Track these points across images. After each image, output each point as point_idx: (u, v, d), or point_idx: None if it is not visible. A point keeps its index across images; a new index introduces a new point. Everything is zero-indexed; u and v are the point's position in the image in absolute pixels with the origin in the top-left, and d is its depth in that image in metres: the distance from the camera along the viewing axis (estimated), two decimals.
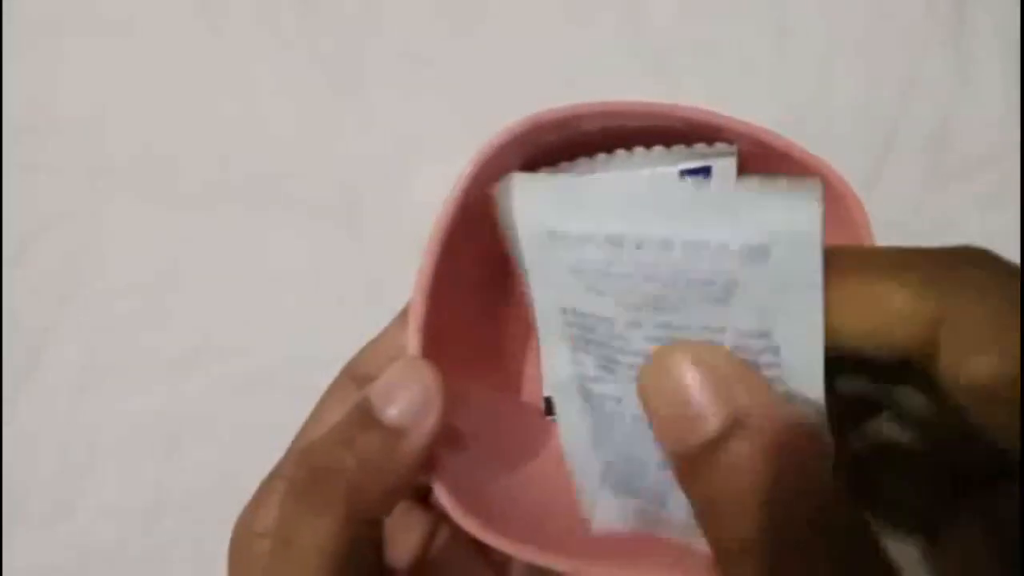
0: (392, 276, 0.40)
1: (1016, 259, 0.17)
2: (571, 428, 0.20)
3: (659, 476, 0.20)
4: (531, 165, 0.23)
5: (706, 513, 0.17)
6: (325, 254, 0.41)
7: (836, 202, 0.23)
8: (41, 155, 0.42)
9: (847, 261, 0.17)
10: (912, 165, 0.39)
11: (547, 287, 0.19)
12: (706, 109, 0.21)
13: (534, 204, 0.19)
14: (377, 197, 0.41)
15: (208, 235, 0.41)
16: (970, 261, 0.17)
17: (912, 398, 0.19)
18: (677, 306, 0.18)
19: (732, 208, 0.17)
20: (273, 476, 0.22)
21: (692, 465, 0.17)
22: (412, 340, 0.21)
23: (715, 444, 0.16)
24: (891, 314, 0.16)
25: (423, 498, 0.25)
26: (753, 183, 0.18)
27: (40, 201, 0.42)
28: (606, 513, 0.21)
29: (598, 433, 0.20)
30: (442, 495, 0.22)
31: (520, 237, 0.19)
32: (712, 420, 0.16)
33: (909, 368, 0.17)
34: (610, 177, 0.19)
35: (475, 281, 0.24)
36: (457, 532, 0.22)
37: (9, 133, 0.42)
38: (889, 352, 0.17)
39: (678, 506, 0.20)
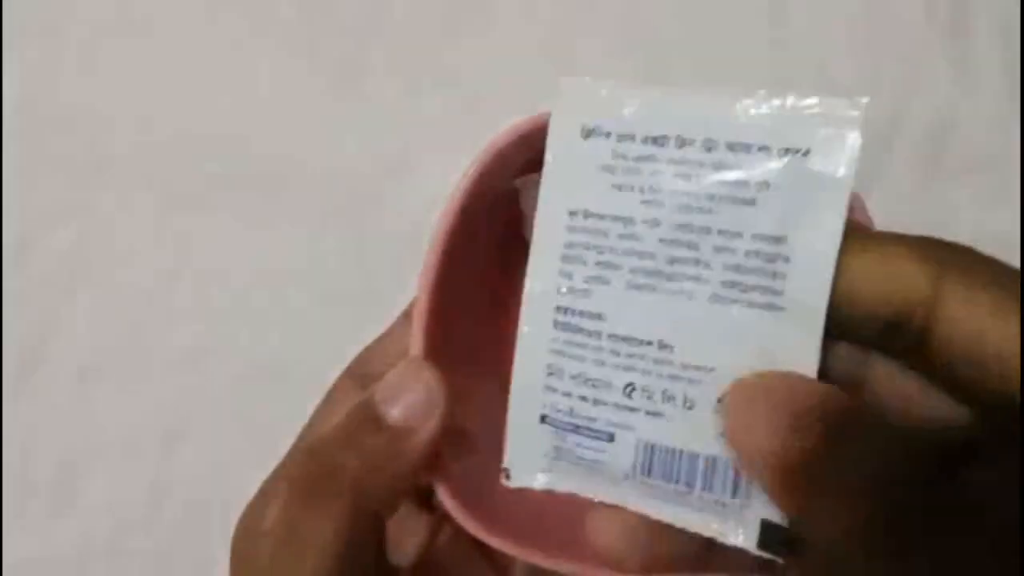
0: (392, 274, 0.40)
1: (1016, 259, 0.17)
2: (529, 352, 0.20)
3: (621, 401, 0.19)
4: (535, 166, 0.23)
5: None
6: (326, 252, 0.41)
7: None
8: (42, 153, 0.42)
9: (851, 227, 0.18)
10: (911, 164, 0.39)
11: (561, 188, 0.20)
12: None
13: (578, 101, 0.20)
14: (378, 195, 0.41)
15: (209, 233, 0.41)
16: (961, 245, 0.17)
17: (884, 376, 0.19)
18: (703, 206, 0.18)
19: (782, 112, 0.18)
20: (276, 475, 0.22)
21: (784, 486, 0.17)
22: (416, 341, 0.22)
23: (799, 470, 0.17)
24: (895, 270, 0.17)
25: (426, 499, 0.25)
26: (792, 93, 0.18)
27: (41, 199, 0.42)
28: (532, 458, 0.21)
29: (558, 362, 0.20)
30: (444, 496, 0.22)
31: (550, 134, 0.20)
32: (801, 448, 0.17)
33: (894, 335, 0.17)
34: (662, 89, 0.19)
35: (478, 280, 0.24)
36: (459, 533, 0.22)
37: (10, 129, 0.42)
38: (888, 309, 0.17)
39: (626, 445, 0.20)
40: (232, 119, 0.42)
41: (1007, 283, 0.16)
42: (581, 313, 0.20)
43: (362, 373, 0.24)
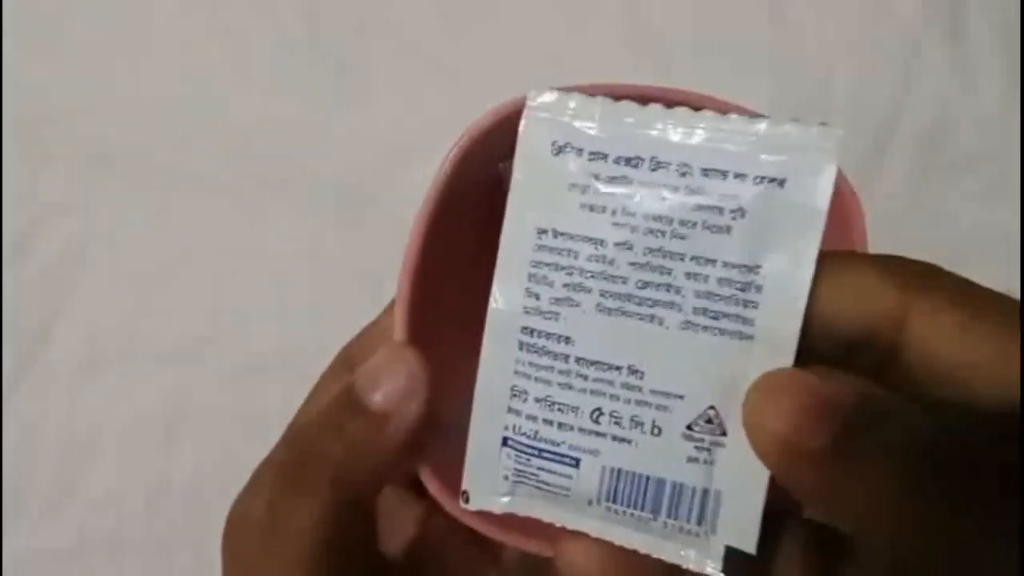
0: (391, 267, 0.40)
1: (1015, 256, 0.17)
2: (492, 372, 0.20)
3: (588, 426, 0.19)
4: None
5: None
6: (324, 245, 0.41)
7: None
8: (41, 147, 0.42)
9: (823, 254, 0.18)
10: (909, 161, 0.39)
11: (528, 206, 0.19)
12: (698, 92, 0.21)
13: (548, 115, 0.19)
14: (376, 189, 0.41)
15: (208, 226, 0.41)
16: (929, 263, 0.17)
17: None
18: (676, 231, 0.18)
19: (758, 139, 0.18)
20: (262, 464, 0.22)
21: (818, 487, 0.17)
22: (399, 325, 0.22)
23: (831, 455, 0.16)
24: (863, 289, 0.17)
25: (419, 486, 0.25)
26: (766, 120, 0.18)
27: (41, 192, 0.42)
28: (492, 481, 0.20)
29: (522, 383, 0.20)
30: (428, 481, 0.22)
31: (519, 148, 0.19)
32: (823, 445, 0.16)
33: (862, 354, 0.17)
34: (635, 107, 0.19)
35: (463, 265, 0.24)
36: (451, 519, 0.22)
37: (10, 125, 0.42)
38: (855, 328, 0.17)
39: (591, 470, 0.19)
40: (232, 116, 0.42)
41: (974, 301, 0.17)
42: (548, 335, 0.19)
43: (352, 359, 0.24)
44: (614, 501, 0.19)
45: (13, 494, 0.40)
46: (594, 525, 0.20)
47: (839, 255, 0.18)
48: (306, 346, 0.40)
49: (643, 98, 0.21)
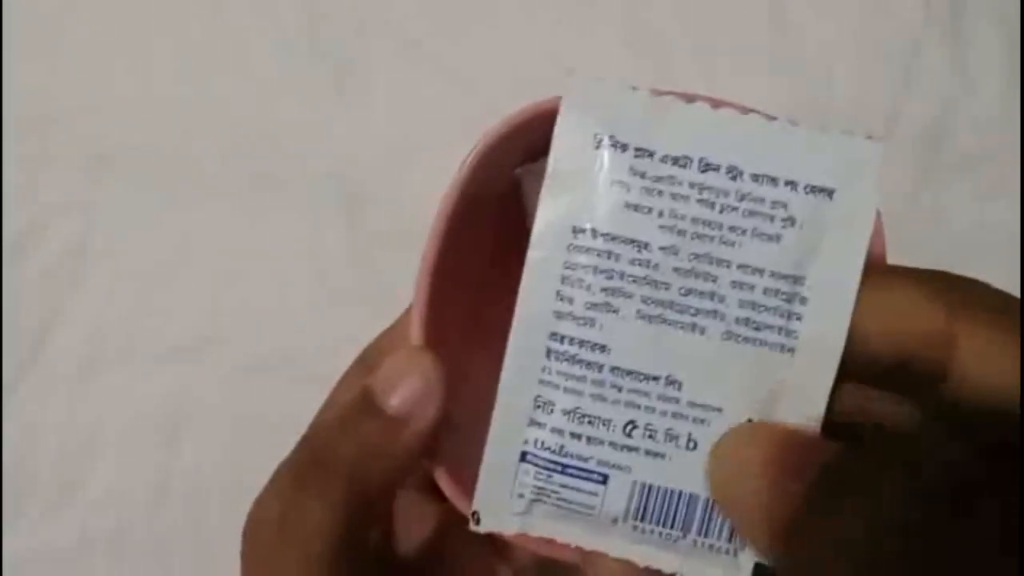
0: (392, 267, 0.40)
1: (1015, 255, 0.17)
2: (515, 382, 0.18)
3: (620, 440, 0.18)
4: (535, 155, 0.23)
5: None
6: (326, 245, 0.41)
7: None
8: (42, 146, 0.42)
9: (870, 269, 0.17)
10: (909, 161, 0.40)
11: (565, 202, 0.18)
12: (709, 95, 0.21)
13: (590, 104, 0.18)
14: (377, 189, 0.41)
15: (209, 226, 0.41)
16: (973, 280, 0.17)
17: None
18: (725, 238, 0.18)
19: (805, 147, 0.17)
20: (282, 463, 0.22)
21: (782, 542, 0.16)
22: (415, 330, 0.22)
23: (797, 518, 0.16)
24: (910, 308, 0.17)
25: (434, 488, 0.26)
26: (812, 127, 0.18)
27: (41, 192, 0.42)
28: (506, 500, 0.19)
29: (548, 394, 0.18)
30: (443, 482, 0.22)
31: (555, 140, 0.18)
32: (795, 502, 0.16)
33: (905, 374, 0.17)
34: (682, 104, 0.18)
35: (479, 269, 0.24)
36: (466, 522, 0.23)
37: (9, 124, 0.42)
38: (901, 348, 0.17)
39: (620, 486, 0.18)
40: (232, 116, 0.42)
41: (1020, 320, 0.16)
42: (581, 342, 0.18)
43: (371, 361, 0.25)
44: (642, 519, 0.19)
45: (13, 494, 0.40)
46: (616, 544, 0.19)
47: (883, 271, 0.18)
48: (307, 346, 0.40)
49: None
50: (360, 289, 0.41)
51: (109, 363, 0.41)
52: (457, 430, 0.22)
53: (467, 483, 0.22)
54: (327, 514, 0.20)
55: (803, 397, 0.18)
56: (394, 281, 0.40)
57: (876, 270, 0.18)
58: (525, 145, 0.22)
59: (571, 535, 0.19)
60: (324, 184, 0.41)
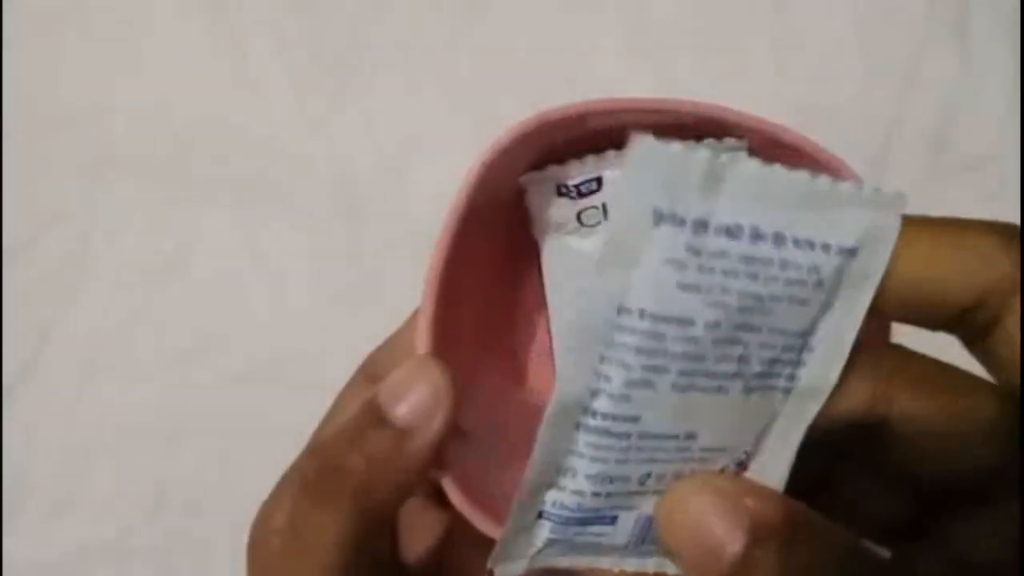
0: (392, 271, 0.40)
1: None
2: (545, 457, 0.18)
3: (634, 489, 0.18)
4: (539, 163, 0.23)
5: None
6: (325, 249, 0.41)
7: None
8: (42, 150, 0.42)
9: (924, 219, 0.18)
10: (912, 162, 0.40)
11: (615, 280, 0.16)
12: (716, 104, 0.21)
13: (651, 171, 0.16)
14: (377, 193, 0.41)
15: (208, 230, 0.41)
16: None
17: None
18: (764, 307, 0.17)
19: (841, 205, 0.17)
20: (286, 474, 0.22)
21: None
22: (422, 338, 0.21)
23: (743, 563, 0.17)
24: (977, 258, 0.17)
25: (439, 497, 0.25)
26: (846, 183, 0.18)
27: (41, 196, 0.42)
28: (522, 551, 0.19)
29: (572, 462, 0.18)
30: (451, 492, 0.22)
31: (612, 212, 0.18)
32: (734, 543, 0.17)
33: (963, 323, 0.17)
34: (733, 164, 0.16)
35: (486, 278, 0.24)
36: (472, 530, 0.23)
37: (10, 129, 0.42)
38: (968, 295, 0.17)
39: (626, 522, 0.19)
40: (232, 118, 0.42)
41: None
42: (615, 417, 0.17)
43: (374, 372, 0.24)
44: (643, 543, 0.19)
45: (12, 500, 0.40)
46: (619, 561, 0.20)
47: (950, 220, 0.18)
48: (306, 349, 0.40)
49: (658, 112, 0.21)
50: (359, 294, 0.40)
51: (108, 368, 0.40)
52: (465, 439, 0.22)
53: (474, 492, 0.22)
54: (337, 524, 0.20)
55: (784, 434, 0.18)
56: (393, 286, 0.40)
57: (942, 218, 0.18)
58: (531, 153, 0.22)
59: (577, 562, 0.20)
60: (323, 188, 0.41)
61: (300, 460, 0.22)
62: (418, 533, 0.25)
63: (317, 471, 0.21)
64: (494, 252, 0.24)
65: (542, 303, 0.24)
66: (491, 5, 0.42)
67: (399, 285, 0.40)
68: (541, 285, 0.24)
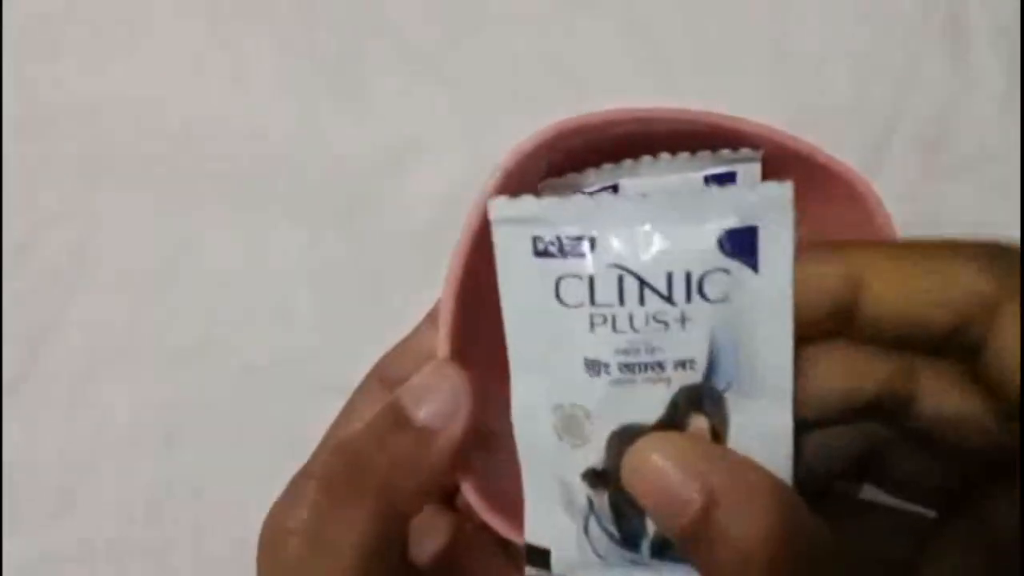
0: (390, 272, 0.40)
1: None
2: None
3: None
4: (557, 170, 0.23)
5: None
6: (323, 249, 0.41)
7: (858, 202, 0.23)
8: (42, 153, 0.42)
9: (906, 245, 0.18)
10: (910, 162, 0.40)
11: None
12: (731, 115, 0.22)
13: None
14: (376, 194, 0.41)
15: (208, 231, 0.41)
16: (1012, 250, 0.18)
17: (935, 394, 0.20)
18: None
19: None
20: (303, 474, 0.22)
21: (689, 540, 0.18)
22: (442, 344, 0.22)
23: (701, 519, 0.18)
24: (959, 278, 0.17)
25: (448, 498, 0.26)
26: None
27: (40, 197, 0.41)
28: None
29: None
30: (470, 494, 0.22)
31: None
32: (693, 499, 0.18)
33: (950, 344, 0.18)
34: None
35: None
36: (481, 532, 0.23)
37: (10, 129, 0.42)
38: (950, 317, 0.17)
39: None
40: (232, 118, 0.42)
41: None
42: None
43: (387, 375, 0.25)
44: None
45: (13, 499, 0.39)
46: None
47: (929, 242, 0.18)
48: (306, 352, 0.40)
49: (674, 121, 0.22)
50: (358, 293, 0.41)
51: (108, 369, 0.40)
52: (484, 445, 0.22)
53: (492, 494, 0.22)
54: (358, 526, 0.21)
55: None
56: (393, 287, 0.40)
57: (923, 240, 0.18)
58: (547, 162, 0.22)
59: None
60: (322, 189, 0.41)
61: (316, 461, 0.23)
62: (426, 534, 0.25)
63: (340, 471, 0.21)
64: None
65: None
66: (490, 8, 0.42)
67: (397, 286, 0.40)
68: None
